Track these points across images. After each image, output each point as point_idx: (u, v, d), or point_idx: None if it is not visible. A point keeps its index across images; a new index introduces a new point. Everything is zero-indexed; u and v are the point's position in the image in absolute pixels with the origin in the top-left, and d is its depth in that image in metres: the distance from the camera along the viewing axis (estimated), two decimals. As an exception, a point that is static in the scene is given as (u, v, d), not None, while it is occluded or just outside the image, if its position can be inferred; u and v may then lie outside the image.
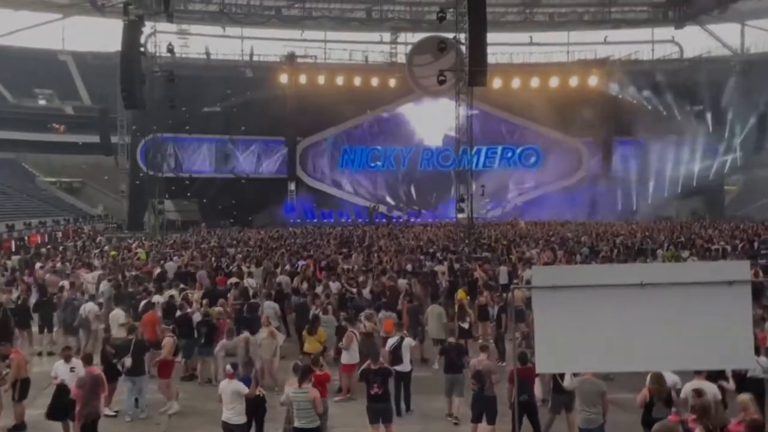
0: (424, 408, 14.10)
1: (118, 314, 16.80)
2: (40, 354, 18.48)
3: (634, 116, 58.53)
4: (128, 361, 13.39)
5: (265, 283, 21.81)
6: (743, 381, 12.04)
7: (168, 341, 14.46)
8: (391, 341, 14.13)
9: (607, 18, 67.56)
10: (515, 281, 22.32)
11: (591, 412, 10.52)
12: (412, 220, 58.93)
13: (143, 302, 17.83)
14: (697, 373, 10.49)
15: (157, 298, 18.29)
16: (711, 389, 10.44)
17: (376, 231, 45.10)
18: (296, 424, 10.73)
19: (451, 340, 14.22)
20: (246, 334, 15.06)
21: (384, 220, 58.54)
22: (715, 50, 72.70)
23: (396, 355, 13.74)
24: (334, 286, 20.46)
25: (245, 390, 11.26)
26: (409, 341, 14.22)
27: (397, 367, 13.55)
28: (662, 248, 31.22)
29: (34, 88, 66.17)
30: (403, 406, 13.87)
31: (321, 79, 61.54)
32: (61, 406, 12.01)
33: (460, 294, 19.68)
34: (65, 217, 55.26)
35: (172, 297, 18.02)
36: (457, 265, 25.75)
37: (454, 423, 13.23)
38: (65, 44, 68.99)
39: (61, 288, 20.06)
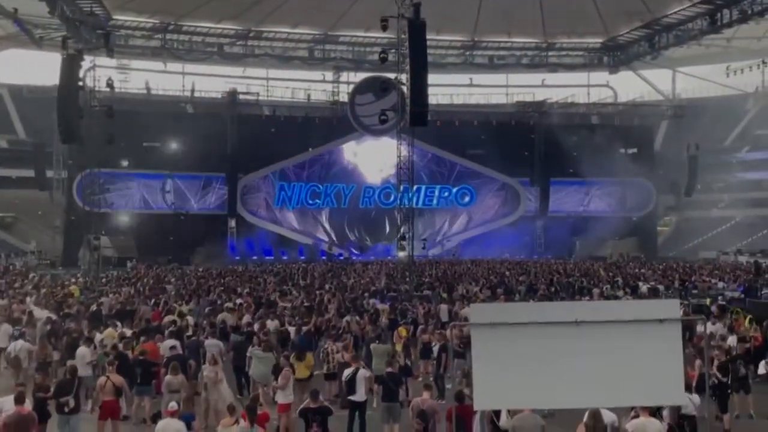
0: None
1: (84, 352, 16.38)
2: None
3: (570, 157, 59.90)
4: (72, 402, 13.04)
5: (206, 320, 21.55)
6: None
7: (100, 380, 14.05)
8: (347, 372, 14.50)
9: (544, 62, 69.31)
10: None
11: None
12: (354, 257, 58.89)
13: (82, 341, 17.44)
14: (642, 409, 10.63)
15: (109, 335, 17.95)
16: (655, 426, 10.63)
17: (317, 269, 44.93)
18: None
19: (390, 369, 14.49)
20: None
21: (324, 257, 58.42)
22: (648, 95, 75.28)
23: (350, 386, 14.18)
24: (273, 324, 20.33)
25: None
26: (364, 372, 14.53)
27: (352, 397, 14.08)
28: (598, 287, 31.81)
29: (-33, 121, 64.66)
30: None
31: (263, 117, 61.38)
32: None
33: (402, 331, 19.76)
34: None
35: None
36: (398, 304, 25.83)
37: None
38: (0, 77, 67.69)
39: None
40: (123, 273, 43.42)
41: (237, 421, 11.26)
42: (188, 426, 11.97)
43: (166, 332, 18.53)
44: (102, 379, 14.03)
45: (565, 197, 66.35)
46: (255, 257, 57.20)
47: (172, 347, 16.60)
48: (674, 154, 65.41)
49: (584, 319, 8.59)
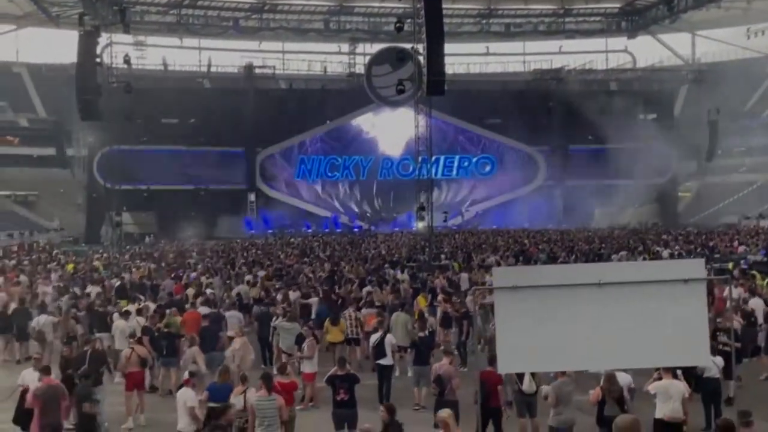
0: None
1: (122, 325, 16.57)
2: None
3: (589, 125, 59.33)
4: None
5: (226, 293, 21.80)
6: (699, 381, 12.30)
7: (125, 352, 14.33)
8: (375, 337, 15.02)
9: (561, 28, 68.54)
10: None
11: (567, 412, 10.70)
12: (373, 229, 58.95)
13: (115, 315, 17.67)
14: (665, 371, 10.65)
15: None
16: (678, 388, 10.65)
17: (337, 240, 45.07)
18: (259, 432, 10.65)
19: (421, 334, 15.18)
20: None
21: (340, 229, 58.51)
22: (667, 60, 74.34)
23: (379, 350, 14.71)
24: (294, 295, 20.52)
25: (191, 402, 11.07)
26: (391, 337, 15.05)
27: (381, 361, 14.66)
28: (617, 254, 31.73)
29: (-13, 101, 64.93)
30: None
31: (280, 90, 61.22)
32: (26, 411, 11.70)
33: (420, 301, 19.87)
34: (20, 231, 54.28)
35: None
36: (419, 273, 25.95)
37: (415, 409, 13.78)
38: (19, 56, 67.90)
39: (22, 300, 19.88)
40: (144, 248, 43.81)
41: (246, 390, 11.32)
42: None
43: (200, 300, 18.93)
44: (127, 351, 14.31)
45: (584, 164, 65.83)
46: (270, 231, 57.35)
47: (205, 316, 16.98)
48: (694, 118, 64.51)
49: (608, 281, 8.57)
